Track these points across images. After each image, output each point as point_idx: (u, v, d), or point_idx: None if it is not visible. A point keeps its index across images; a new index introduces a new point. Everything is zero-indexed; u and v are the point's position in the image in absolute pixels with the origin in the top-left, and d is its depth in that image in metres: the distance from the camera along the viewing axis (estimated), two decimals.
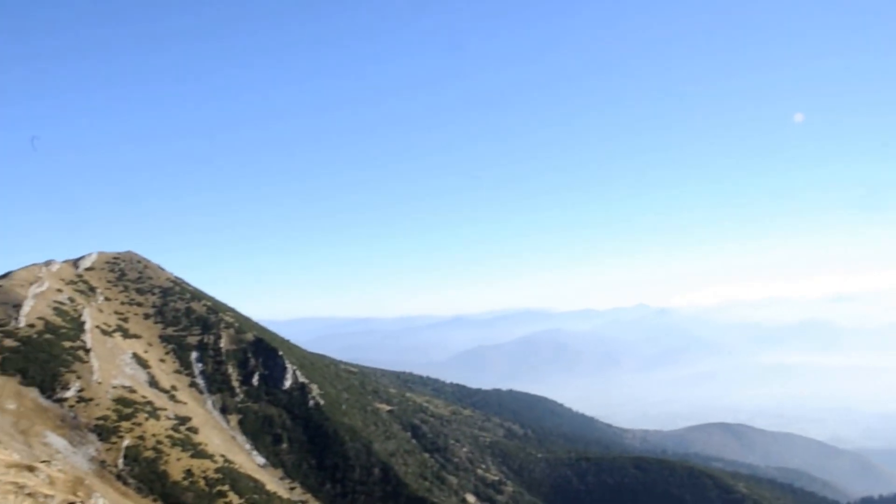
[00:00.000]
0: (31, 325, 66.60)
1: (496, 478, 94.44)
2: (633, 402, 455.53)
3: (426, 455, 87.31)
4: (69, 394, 58.40)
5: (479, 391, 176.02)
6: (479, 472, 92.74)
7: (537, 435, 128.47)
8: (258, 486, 61.14)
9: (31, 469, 28.38)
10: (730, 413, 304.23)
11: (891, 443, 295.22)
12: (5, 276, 77.30)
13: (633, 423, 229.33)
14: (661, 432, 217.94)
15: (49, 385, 57.66)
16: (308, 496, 67.09)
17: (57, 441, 50.06)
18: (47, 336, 65.85)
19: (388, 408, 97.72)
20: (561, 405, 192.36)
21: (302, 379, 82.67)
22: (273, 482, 65.69)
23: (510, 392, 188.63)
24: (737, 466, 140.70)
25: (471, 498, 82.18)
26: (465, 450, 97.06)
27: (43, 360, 60.78)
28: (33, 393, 55.72)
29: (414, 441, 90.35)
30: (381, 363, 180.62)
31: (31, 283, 75.32)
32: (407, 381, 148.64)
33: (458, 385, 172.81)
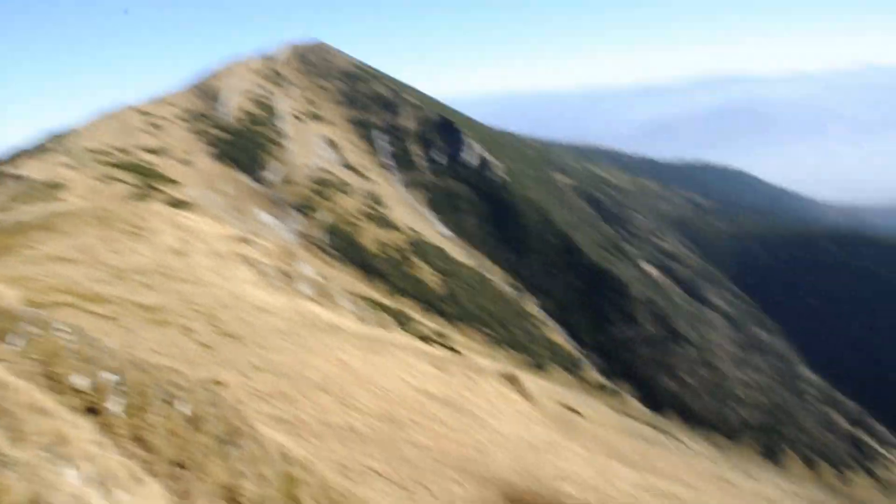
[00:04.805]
0: (237, 118, 73.89)
1: (676, 250, 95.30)
2: (842, 174, 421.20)
3: (606, 226, 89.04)
4: (273, 176, 65.54)
5: (666, 164, 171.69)
6: (659, 243, 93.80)
7: (726, 208, 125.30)
8: (446, 257, 66.84)
9: (248, 241, 33.48)
10: None
11: None
12: (208, 74, 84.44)
13: (840, 197, 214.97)
14: (871, 208, 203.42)
15: (256, 170, 65.09)
16: (493, 266, 72.20)
17: (267, 218, 57.26)
18: (251, 126, 73.06)
19: (570, 181, 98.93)
20: (757, 178, 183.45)
21: (485, 155, 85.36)
22: (459, 253, 71.23)
23: (701, 165, 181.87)
24: None
25: (649, 268, 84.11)
26: (645, 221, 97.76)
27: (250, 148, 68.17)
28: (245, 178, 63.28)
29: (594, 213, 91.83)
30: (563, 136, 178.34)
31: (232, 78, 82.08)
32: (589, 154, 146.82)
33: (644, 158, 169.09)
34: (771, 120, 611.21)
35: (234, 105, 76.45)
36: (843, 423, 74.80)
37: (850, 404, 79.58)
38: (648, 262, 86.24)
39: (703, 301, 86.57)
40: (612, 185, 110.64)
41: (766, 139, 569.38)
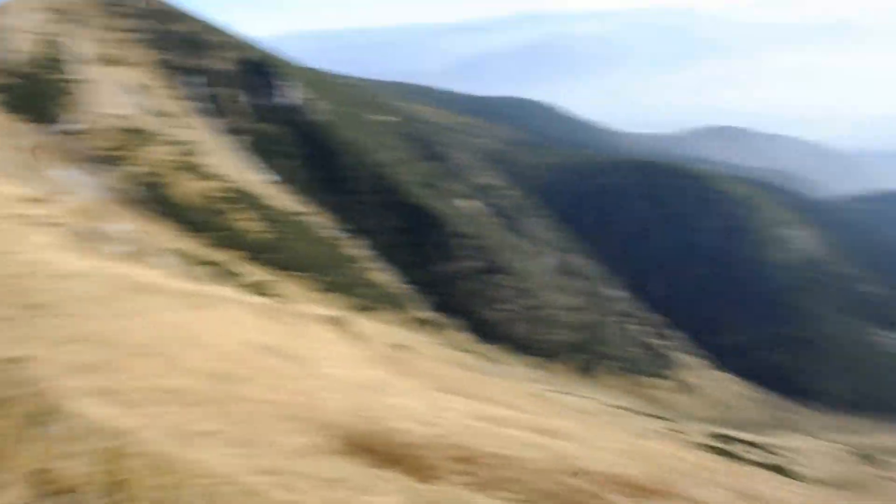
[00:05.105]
0: (26, 62, 66.32)
1: (495, 183, 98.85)
2: (640, 106, 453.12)
3: (427, 164, 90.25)
4: (77, 127, 60.07)
5: (483, 99, 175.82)
6: (480, 178, 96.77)
7: (540, 141, 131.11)
8: (270, 204, 65.12)
9: (43, 201, 30.66)
10: (734, 116, 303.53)
11: (882, 144, 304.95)
12: None
13: (637, 127, 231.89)
14: (662, 136, 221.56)
15: (54, 121, 59.19)
16: (318, 210, 71.34)
17: (70, 175, 52.71)
18: (44, 71, 65.93)
19: (391, 119, 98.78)
20: (567, 111, 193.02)
21: (307, 95, 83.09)
22: (283, 199, 69.65)
23: (516, 99, 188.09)
24: (733, 169, 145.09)
25: (470, 203, 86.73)
26: (465, 157, 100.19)
27: (44, 96, 61.67)
28: (43, 130, 57.42)
29: (415, 151, 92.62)
30: (382, 74, 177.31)
31: (17, 15, 73.28)
32: (408, 91, 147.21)
33: (461, 94, 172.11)
34: (579, 56, 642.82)
35: (21, 47, 68.40)
36: (650, 336, 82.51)
37: (656, 317, 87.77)
38: (469, 197, 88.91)
39: (522, 232, 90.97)
40: (432, 122, 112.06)
41: (574, 74, 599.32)
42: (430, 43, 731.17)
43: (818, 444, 48.42)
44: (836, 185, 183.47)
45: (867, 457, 42.30)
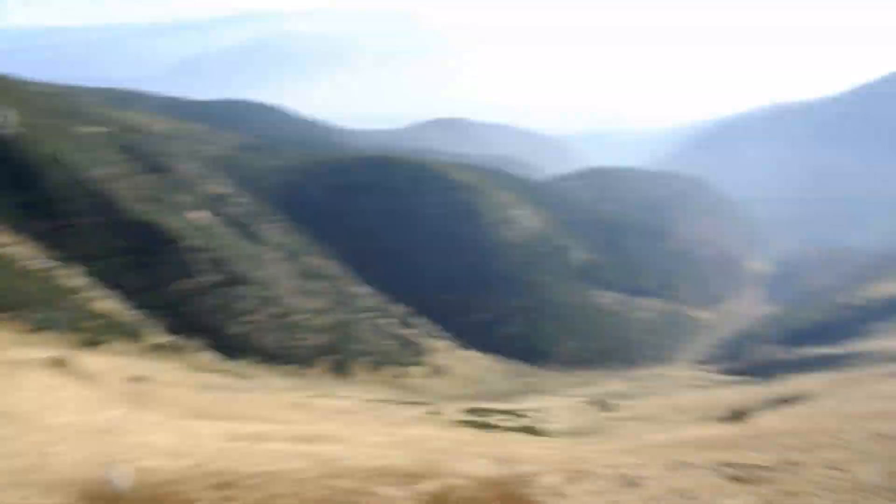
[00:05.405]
0: None
1: (226, 191, 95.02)
2: (364, 103, 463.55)
3: (147, 177, 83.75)
4: None
5: (205, 103, 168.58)
6: (207, 187, 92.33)
7: (266, 144, 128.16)
8: None
9: None
10: (454, 109, 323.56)
11: (582, 127, 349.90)
12: None
13: (364, 123, 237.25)
14: (389, 131, 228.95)
15: None
16: (18, 239, 63.06)
17: None
18: None
19: (102, 130, 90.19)
20: (294, 112, 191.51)
21: None
22: None
23: (240, 102, 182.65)
24: (459, 158, 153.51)
25: (199, 214, 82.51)
26: (190, 166, 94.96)
27: None
28: None
29: (133, 164, 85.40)
30: (87, 80, 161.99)
31: None
32: (118, 98, 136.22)
33: (180, 99, 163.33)
34: (300, 55, 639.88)
35: None
36: (397, 327, 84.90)
37: (401, 309, 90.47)
38: (199, 208, 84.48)
39: (259, 239, 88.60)
40: (148, 130, 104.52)
41: (297, 73, 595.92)
42: (141, 44, 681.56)
43: (560, 401, 53.32)
44: (549, 167, 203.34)
45: (601, 403, 47.40)
